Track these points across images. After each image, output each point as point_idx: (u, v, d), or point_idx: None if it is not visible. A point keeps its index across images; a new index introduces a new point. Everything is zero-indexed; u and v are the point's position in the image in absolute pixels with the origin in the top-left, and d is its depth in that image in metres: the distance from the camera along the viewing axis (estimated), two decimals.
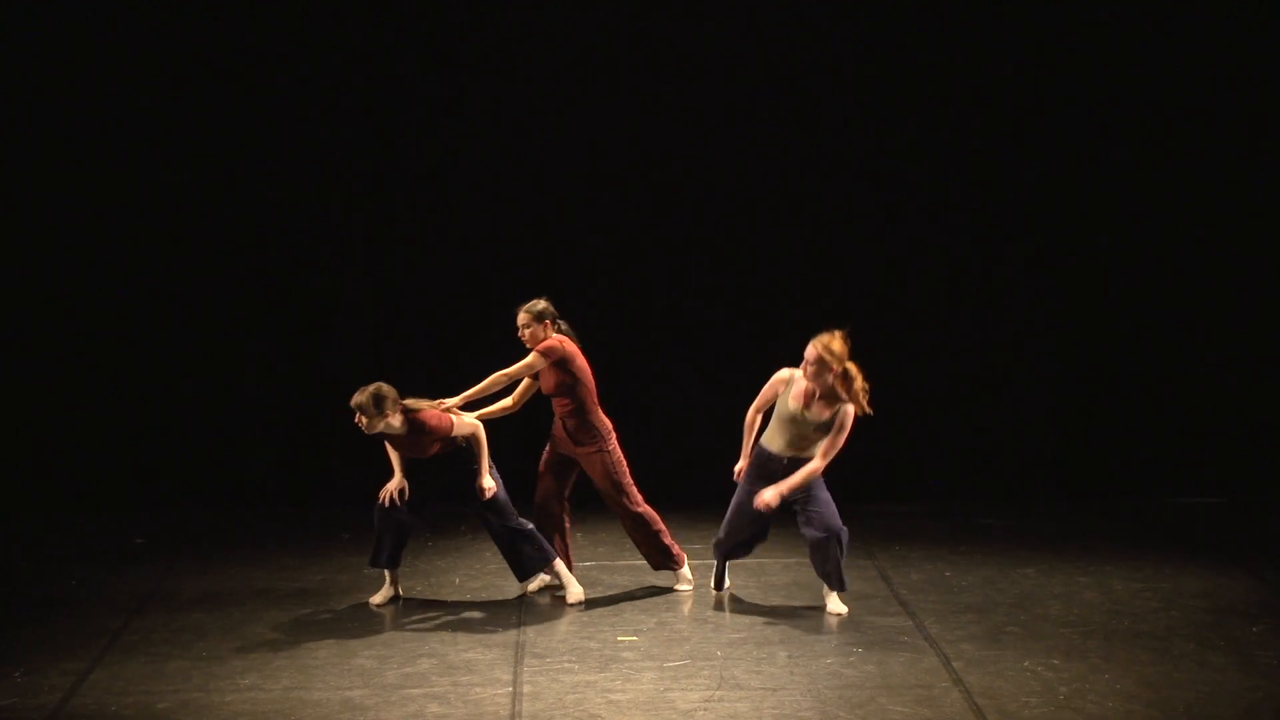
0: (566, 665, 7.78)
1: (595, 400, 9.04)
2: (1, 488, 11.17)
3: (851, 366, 8.53)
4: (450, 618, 8.61)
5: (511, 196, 11.43)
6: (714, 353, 11.52)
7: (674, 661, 7.82)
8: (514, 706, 7.22)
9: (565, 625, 8.48)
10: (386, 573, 8.91)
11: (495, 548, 9.11)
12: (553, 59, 11.35)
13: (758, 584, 9.16)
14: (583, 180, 11.43)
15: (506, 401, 9.12)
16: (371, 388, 8.64)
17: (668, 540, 9.09)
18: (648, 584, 9.22)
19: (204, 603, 8.90)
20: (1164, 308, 11.54)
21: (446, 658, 7.91)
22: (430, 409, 8.73)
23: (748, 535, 8.79)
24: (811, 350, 8.49)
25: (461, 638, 8.24)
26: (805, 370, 8.52)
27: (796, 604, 8.81)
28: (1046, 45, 11.38)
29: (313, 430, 11.47)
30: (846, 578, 8.68)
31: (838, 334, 8.55)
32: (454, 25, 11.35)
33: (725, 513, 8.80)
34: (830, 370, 8.48)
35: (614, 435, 9.09)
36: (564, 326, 9.06)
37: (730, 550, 8.88)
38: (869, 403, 8.56)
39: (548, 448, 9.12)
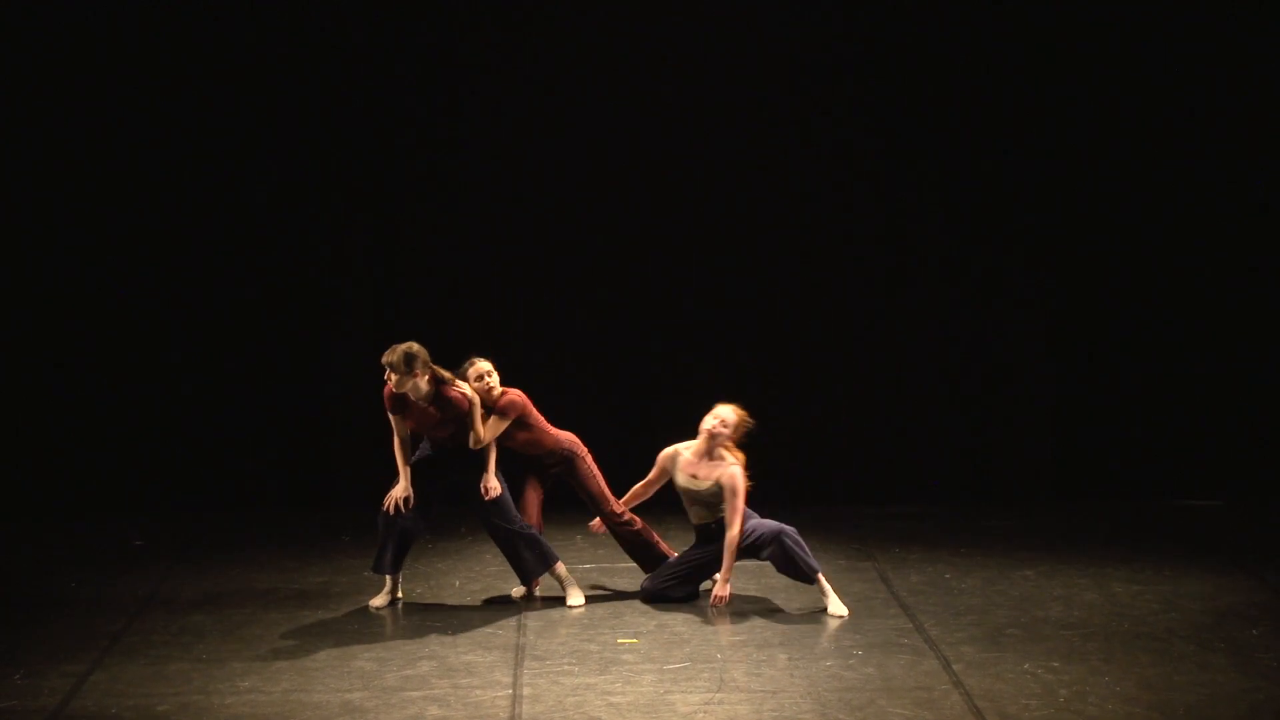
0: (566, 668, 7.77)
1: (548, 427, 9.05)
2: (1, 490, 11.17)
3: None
4: (450, 620, 8.61)
5: (513, 197, 11.42)
6: (713, 353, 11.52)
7: (674, 664, 7.82)
8: (514, 709, 7.21)
9: (565, 628, 8.48)
10: (388, 577, 8.91)
11: (495, 550, 9.11)
12: (553, 59, 11.34)
13: (757, 586, 9.15)
14: (583, 181, 11.43)
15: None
16: (404, 346, 8.64)
17: (655, 540, 9.13)
18: None
19: (204, 605, 8.90)
20: (1163, 309, 11.53)
21: (446, 660, 7.91)
22: (459, 385, 8.72)
23: (680, 594, 8.92)
24: (732, 417, 8.85)
25: (461, 640, 8.24)
26: (709, 437, 8.82)
27: (796, 606, 8.81)
28: (1046, 45, 11.37)
29: (313, 433, 11.48)
30: (815, 562, 8.73)
31: (733, 406, 8.93)
32: (455, 25, 11.35)
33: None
34: (728, 437, 8.83)
35: (580, 445, 9.13)
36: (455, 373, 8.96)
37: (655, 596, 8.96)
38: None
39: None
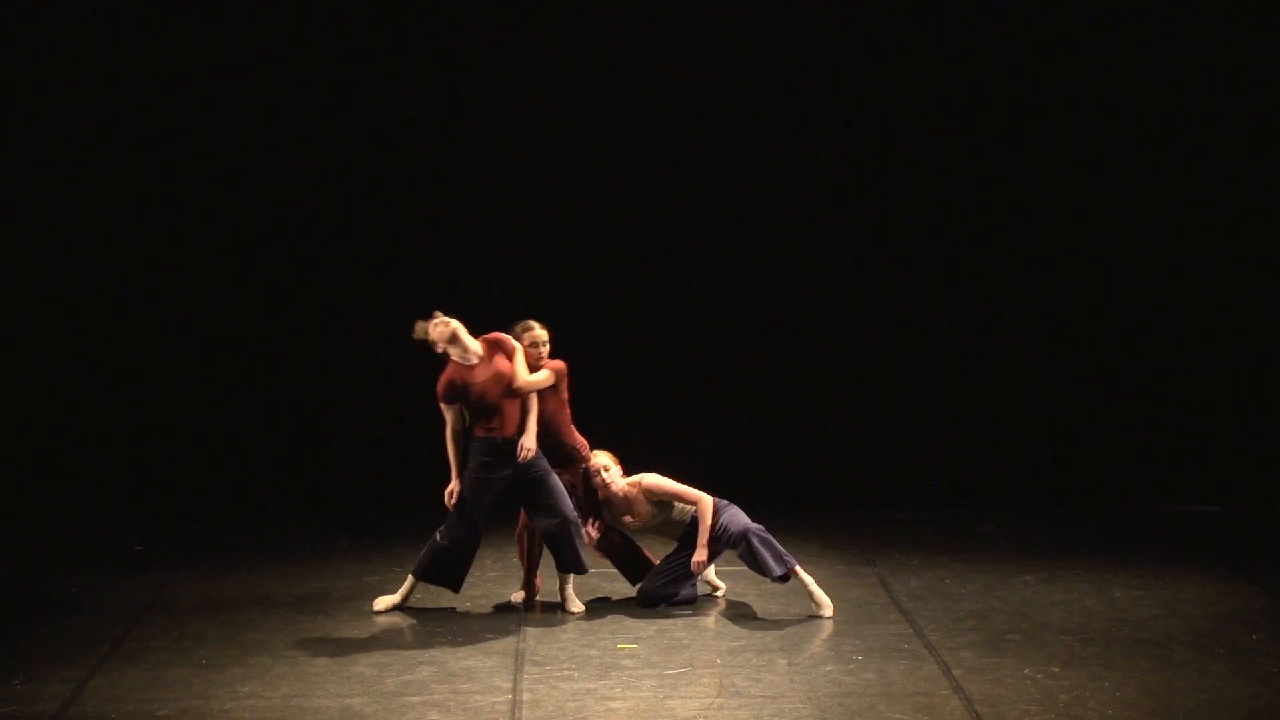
0: (566, 673, 7.77)
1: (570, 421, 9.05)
2: (1, 494, 11.17)
3: (604, 469, 8.91)
4: (450, 625, 8.60)
5: (513, 197, 11.44)
6: (712, 355, 11.53)
7: (674, 669, 7.82)
8: (514, 714, 7.21)
9: (565, 633, 8.48)
10: (408, 581, 8.86)
11: (495, 555, 9.10)
12: (553, 59, 11.37)
13: (757, 591, 9.15)
14: (583, 181, 11.45)
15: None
16: (433, 319, 8.59)
17: (639, 547, 9.16)
18: None
19: (204, 610, 8.90)
20: (1163, 314, 11.55)
21: (446, 665, 7.90)
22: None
23: (678, 592, 8.94)
24: (604, 460, 8.92)
25: (461, 645, 8.23)
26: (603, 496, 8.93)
27: (796, 611, 8.80)
28: (1046, 45, 11.40)
29: (313, 437, 11.47)
30: (790, 558, 8.75)
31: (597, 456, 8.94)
32: (455, 25, 11.36)
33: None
34: (607, 487, 8.88)
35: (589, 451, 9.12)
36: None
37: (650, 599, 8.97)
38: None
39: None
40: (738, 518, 8.83)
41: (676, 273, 11.50)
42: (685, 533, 8.90)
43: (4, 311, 11.23)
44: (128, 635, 8.41)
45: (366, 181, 11.44)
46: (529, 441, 8.67)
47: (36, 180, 11.20)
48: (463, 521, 8.70)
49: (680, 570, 8.91)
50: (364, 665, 7.90)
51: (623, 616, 8.76)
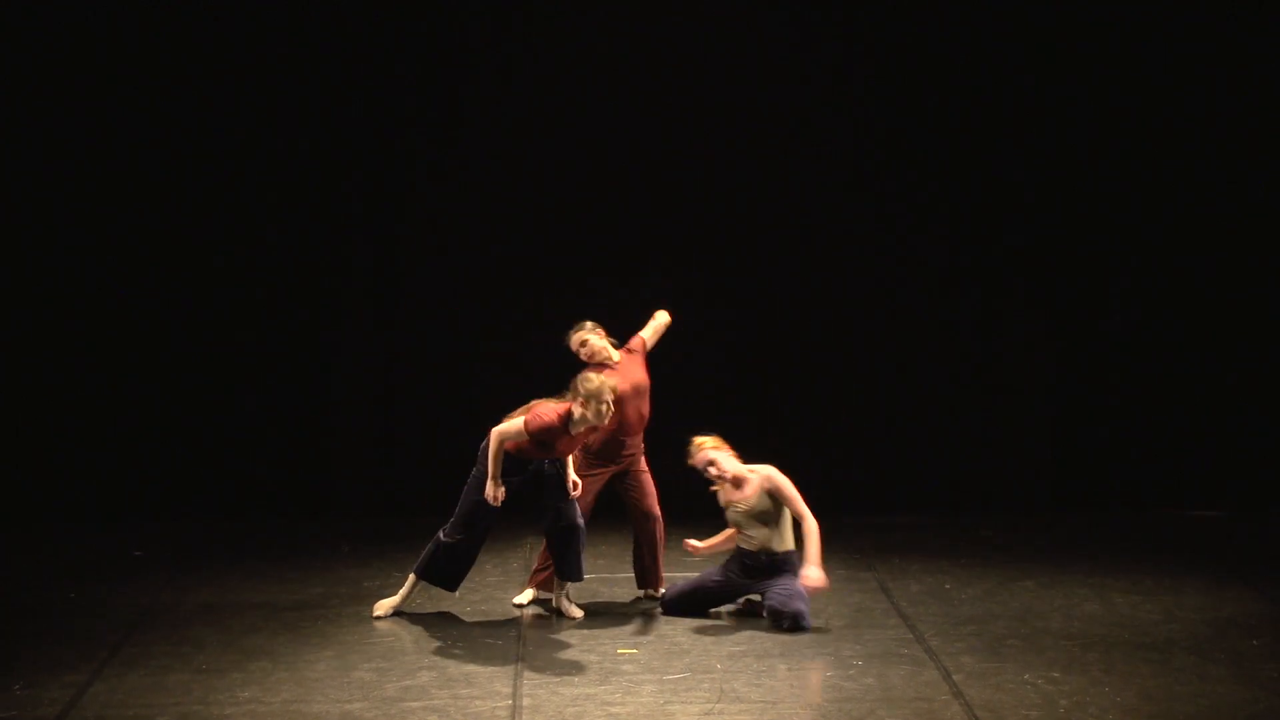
0: (566, 678, 7.77)
1: None
2: (0, 498, 11.16)
3: (718, 455, 8.84)
4: (450, 630, 8.60)
5: (513, 198, 11.43)
6: (711, 356, 11.52)
7: (674, 674, 7.81)
8: (514, 719, 7.23)
9: (565, 638, 8.47)
10: (408, 582, 8.85)
11: (495, 559, 9.09)
12: (553, 59, 11.37)
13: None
14: (583, 181, 11.44)
15: None
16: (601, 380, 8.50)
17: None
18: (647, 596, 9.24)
19: (204, 615, 8.89)
20: (1164, 319, 11.54)
21: (446, 670, 7.90)
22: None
23: (699, 608, 8.88)
24: (701, 458, 8.85)
25: (461, 650, 8.22)
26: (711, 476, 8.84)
27: None
28: (1046, 45, 11.40)
29: (313, 442, 11.46)
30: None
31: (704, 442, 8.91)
32: (455, 25, 11.36)
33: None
34: (716, 467, 8.81)
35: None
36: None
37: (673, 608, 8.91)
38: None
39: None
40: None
41: (676, 273, 11.49)
42: (757, 557, 8.78)
43: (3, 312, 11.21)
44: (127, 640, 8.40)
45: (367, 181, 11.43)
46: (577, 477, 8.71)
47: (36, 180, 11.19)
48: (468, 521, 8.68)
49: (721, 593, 8.83)
50: (364, 670, 7.90)
51: (623, 622, 8.76)
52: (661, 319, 9.34)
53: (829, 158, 11.52)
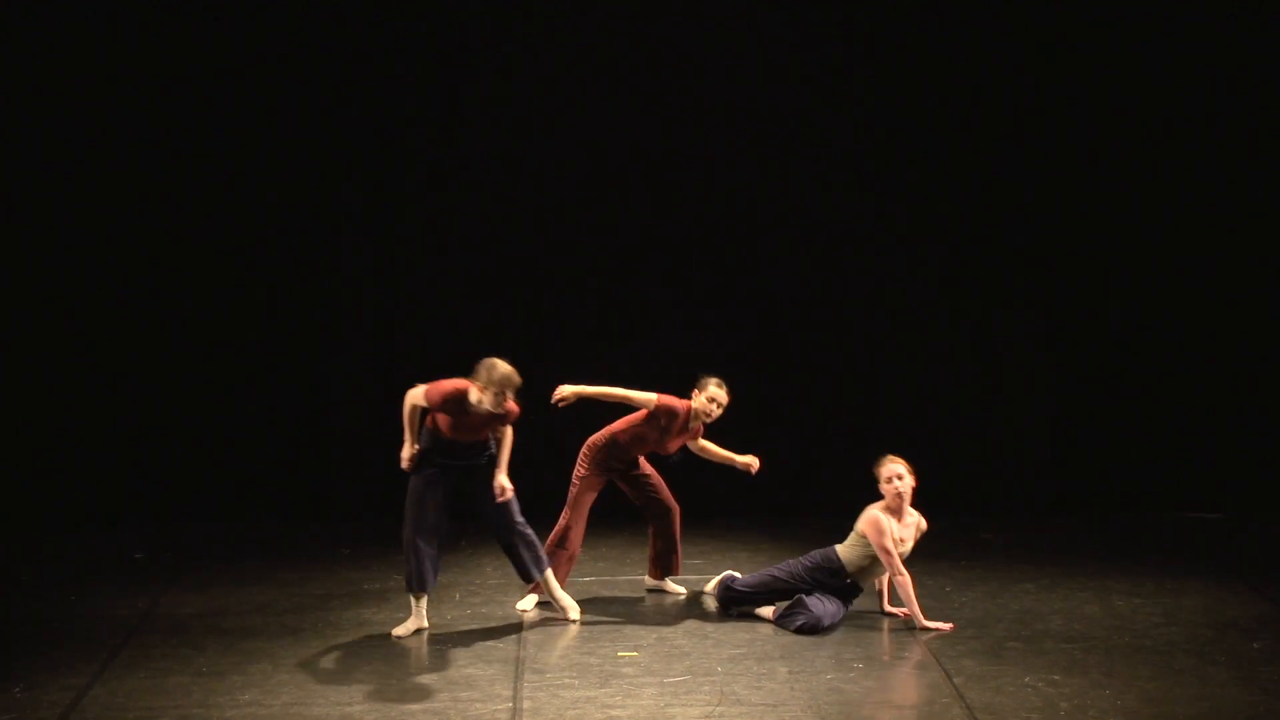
0: (567, 681, 7.76)
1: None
2: (0, 501, 11.16)
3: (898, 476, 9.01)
4: (451, 633, 8.59)
5: (514, 199, 11.43)
6: (710, 357, 11.49)
7: (674, 677, 7.81)
8: None
9: (565, 641, 8.47)
10: (422, 605, 8.68)
11: (495, 562, 9.08)
12: (553, 59, 11.37)
13: None
14: (583, 181, 11.45)
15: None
16: (506, 370, 8.32)
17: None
18: (648, 599, 9.22)
19: (204, 618, 8.89)
20: (1164, 321, 11.54)
21: (446, 673, 7.90)
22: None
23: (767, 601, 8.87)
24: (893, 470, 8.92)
25: (462, 653, 8.22)
26: (896, 496, 8.90)
27: None
28: (1046, 45, 11.40)
29: (313, 444, 11.46)
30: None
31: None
32: (455, 25, 11.36)
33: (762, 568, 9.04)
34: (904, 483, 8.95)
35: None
36: None
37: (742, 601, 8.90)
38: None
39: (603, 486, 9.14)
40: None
41: (676, 273, 11.50)
42: (845, 585, 8.77)
43: (3, 313, 11.21)
44: (127, 643, 8.40)
45: (367, 182, 11.43)
46: (505, 481, 8.55)
47: (36, 180, 11.19)
48: (412, 515, 8.52)
49: (785, 589, 8.78)
50: (364, 673, 7.89)
51: (623, 624, 8.75)
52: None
53: (829, 158, 11.52)
